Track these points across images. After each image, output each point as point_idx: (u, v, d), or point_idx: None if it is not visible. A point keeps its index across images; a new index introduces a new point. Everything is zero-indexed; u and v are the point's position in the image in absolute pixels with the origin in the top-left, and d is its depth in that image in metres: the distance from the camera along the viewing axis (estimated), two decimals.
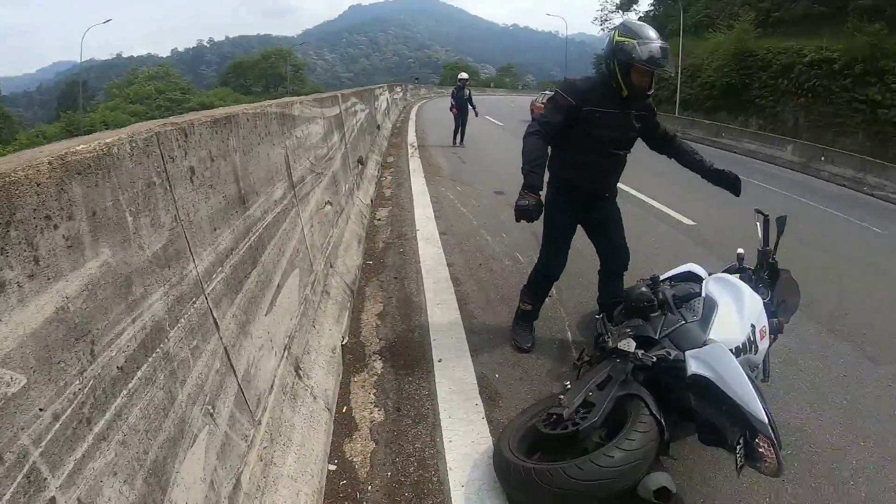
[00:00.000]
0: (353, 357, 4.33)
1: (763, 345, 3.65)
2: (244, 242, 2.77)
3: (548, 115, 4.22)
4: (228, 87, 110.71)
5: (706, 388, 2.93)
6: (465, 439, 3.41)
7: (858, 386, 4.93)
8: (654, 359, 3.24)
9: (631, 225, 8.84)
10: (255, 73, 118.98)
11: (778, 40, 37.67)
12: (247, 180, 2.95)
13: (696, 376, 2.98)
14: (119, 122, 67.74)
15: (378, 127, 16.22)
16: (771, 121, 36.17)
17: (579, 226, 4.64)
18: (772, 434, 2.65)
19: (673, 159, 4.63)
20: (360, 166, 8.93)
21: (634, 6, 74.84)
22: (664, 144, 4.58)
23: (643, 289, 3.82)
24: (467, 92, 18.34)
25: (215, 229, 2.43)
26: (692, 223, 9.95)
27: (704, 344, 3.23)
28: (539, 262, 4.68)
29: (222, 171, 2.60)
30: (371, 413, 3.63)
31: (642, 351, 3.32)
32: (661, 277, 4.40)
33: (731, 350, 3.23)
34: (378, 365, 4.25)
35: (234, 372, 2.41)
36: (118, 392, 1.54)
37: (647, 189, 11.81)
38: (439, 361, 4.33)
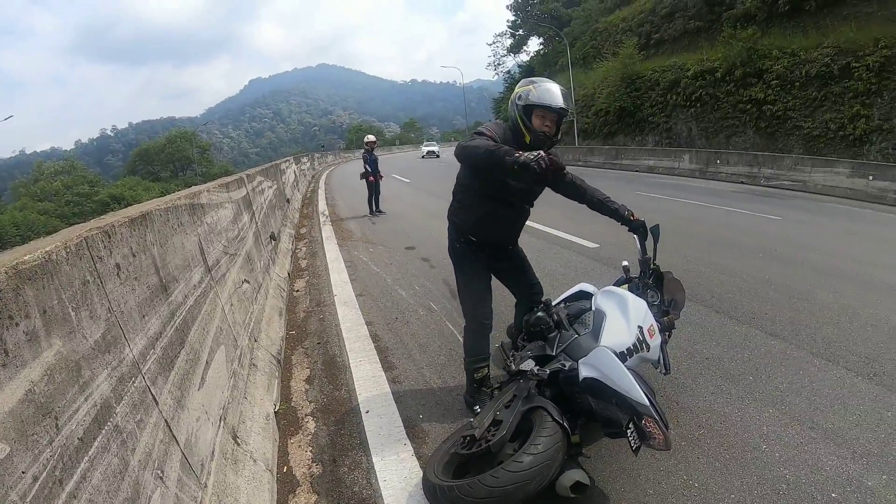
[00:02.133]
0: (287, 421, 4.51)
1: (654, 342, 4.01)
2: (170, 326, 2.98)
3: (482, 135, 3.90)
4: (136, 176, 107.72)
5: (597, 388, 3.28)
6: (398, 476, 3.66)
7: (761, 363, 5.46)
8: (548, 372, 3.58)
9: (537, 256, 9.55)
10: (162, 158, 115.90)
11: (662, 59, 39.97)
12: (166, 269, 3.16)
13: (587, 379, 3.34)
14: (31, 223, 66.36)
15: (288, 200, 16.18)
16: (666, 135, 38.05)
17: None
18: (654, 414, 3.02)
19: (585, 205, 4.63)
20: (273, 242, 9.08)
21: (524, 48, 76.65)
22: (574, 192, 4.56)
23: (539, 314, 4.14)
24: (375, 156, 17.44)
25: (144, 316, 2.65)
26: (595, 245, 10.50)
27: None
28: (467, 320, 4.51)
29: (143, 263, 2.83)
30: (310, 469, 3.84)
31: (538, 367, 3.64)
32: (556, 301, 4.75)
33: (623, 351, 3.65)
34: (311, 425, 4.44)
35: (177, 441, 2.64)
36: (81, 458, 1.83)
37: (547, 220, 12.26)
38: (367, 413, 4.56)
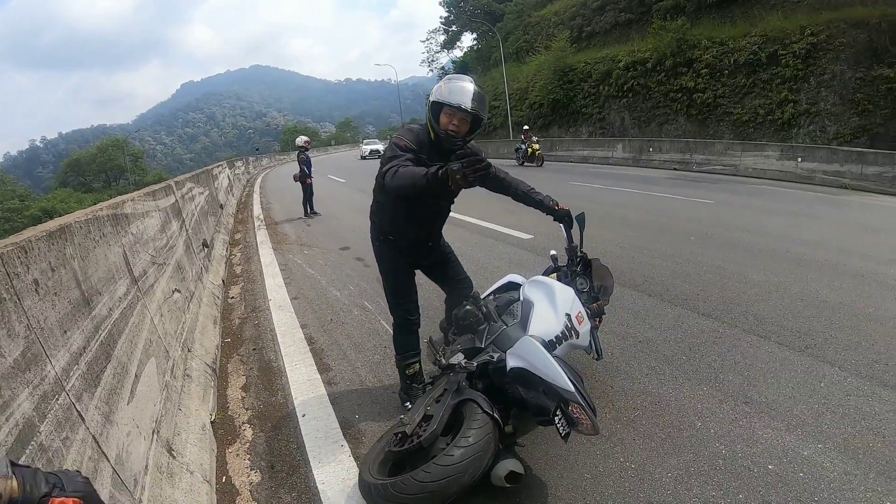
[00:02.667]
0: (224, 430, 4.47)
1: (584, 328, 4.05)
2: (95, 340, 2.93)
3: (396, 157, 3.69)
4: (68, 188, 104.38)
5: (524, 377, 3.30)
6: (336, 478, 3.66)
7: (694, 343, 5.62)
8: (476, 364, 3.62)
9: (471, 249, 9.65)
10: (94, 168, 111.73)
11: (594, 52, 40.57)
12: (88, 283, 3.10)
13: (514, 369, 3.35)
14: None
15: (221, 206, 15.94)
16: (600, 126, 38.61)
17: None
18: (580, 400, 3.04)
19: (510, 198, 4.66)
20: (205, 249, 8.96)
21: (458, 43, 76.61)
22: (498, 186, 4.56)
23: (468, 307, 4.14)
24: (306, 156, 17.08)
25: (66, 332, 2.60)
26: (529, 237, 10.67)
27: None
28: (395, 319, 4.52)
29: (64, 278, 2.76)
30: (249, 477, 3.81)
31: (466, 360, 3.67)
32: (485, 293, 4.74)
33: (552, 339, 3.70)
34: (248, 433, 4.41)
35: (106, 457, 2.59)
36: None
37: (480, 213, 12.43)
38: (303, 416, 4.54)
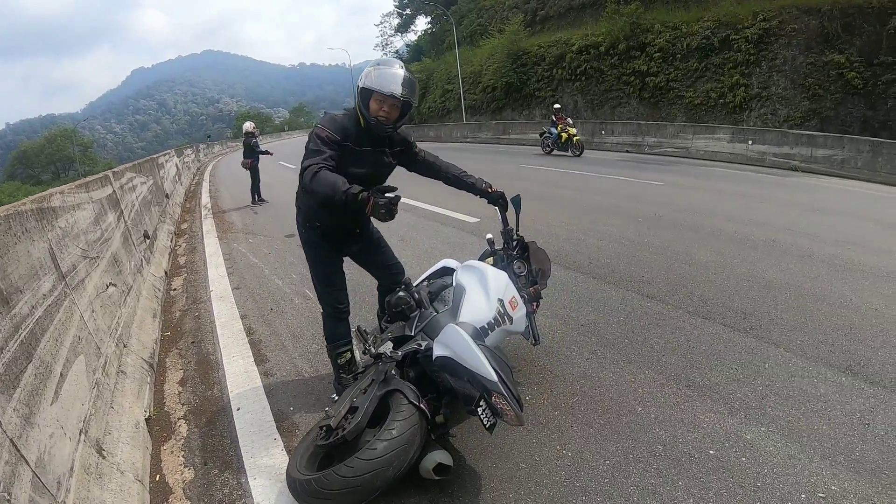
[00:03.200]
0: (159, 427, 4.36)
1: (518, 313, 3.97)
2: (14, 340, 2.82)
3: (318, 152, 3.63)
4: (16, 181, 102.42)
5: (450, 366, 3.24)
6: (268, 473, 3.59)
7: (637, 326, 5.63)
8: (401, 354, 3.55)
9: (418, 234, 9.65)
10: (42, 159, 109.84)
11: (547, 35, 40.96)
12: (7, 281, 2.99)
13: (440, 358, 3.29)
14: None
15: (167, 196, 15.66)
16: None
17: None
18: (503, 391, 2.97)
19: (443, 182, 4.59)
20: (147, 240, 8.78)
21: (412, 27, 76.33)
22: (428, 170, 4.50)
23: (400, 294, 4.06)
24: (256, 141, 16.98)
25: None
26: (476, 220, 10.70)
27: None
28: (323, 308, 4.44)
29: None
30: (182, 474, 3.72)
31: (391, 349, 3.61)
32: (419, 279, 4.72)
33: (484, 326, 3.65)
34: (184, 429, 4.31)
35: (26, 460, 2.50)
36: None
37: (428, 196, 12.44)
38: (238, 410, 4.45)
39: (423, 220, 11.03)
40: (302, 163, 3.65)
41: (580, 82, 37.02)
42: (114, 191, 7.48)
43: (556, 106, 26.93)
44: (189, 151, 37.93)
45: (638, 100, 32.97)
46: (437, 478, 3.15)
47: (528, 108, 41.94)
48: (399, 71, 3.76)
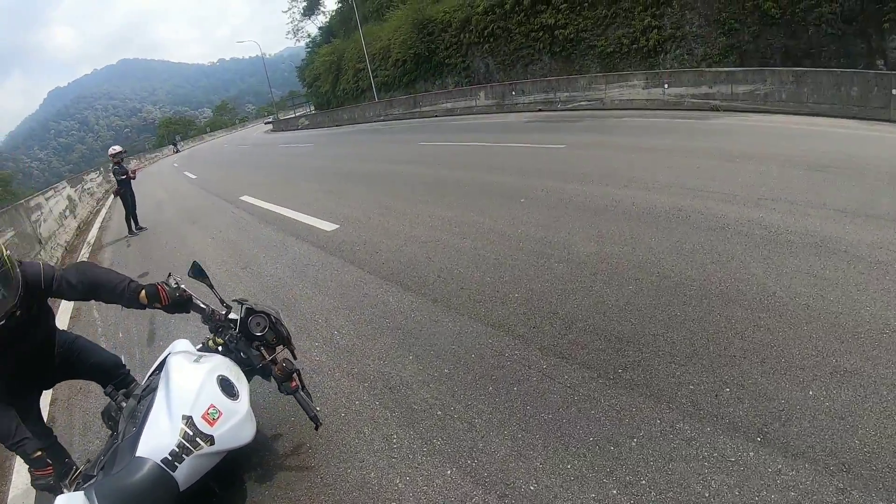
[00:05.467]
0: None
1: (223, 427, 3.03)
2: None
3: None
4: None
5: None
6: None
7: (475, 370, 4.38)
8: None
9: (266, 255, 8.94)
10: None
11: (451, 0, 39.20)
12: None
13: None
14: None
15: (41, 241, 13.92)
16: (465, 75, 38.49)
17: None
18: None
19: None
20: None
21: (320, 8, 75.10)
22: (83, 294, 3.46)
23: (110, 402, 3.56)
24: (126, 167, 15.11)
25: None
26: (334, 227, 9.85)
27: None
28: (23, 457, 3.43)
29: None
30: None
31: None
32: (150, 370, 3.94)
33: (166, 457, 2.82)
34: None
35: None
36: None
37: (285, 200, 12.12)
38: None
39: (277, 234, 10.02)
40: None
41: (489, 44, 35.84)
42: None
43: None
44: (94, 175, 35.95)
45: (549, 55, 31.84)
46: None
47: (441, 77, 41.25)
48: None
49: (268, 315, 3.74)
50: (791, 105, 17.59)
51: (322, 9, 76.35)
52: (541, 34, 31.79)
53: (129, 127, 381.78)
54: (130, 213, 14.76)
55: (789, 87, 17.81)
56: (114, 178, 15.00)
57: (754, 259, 5.54)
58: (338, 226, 9.70)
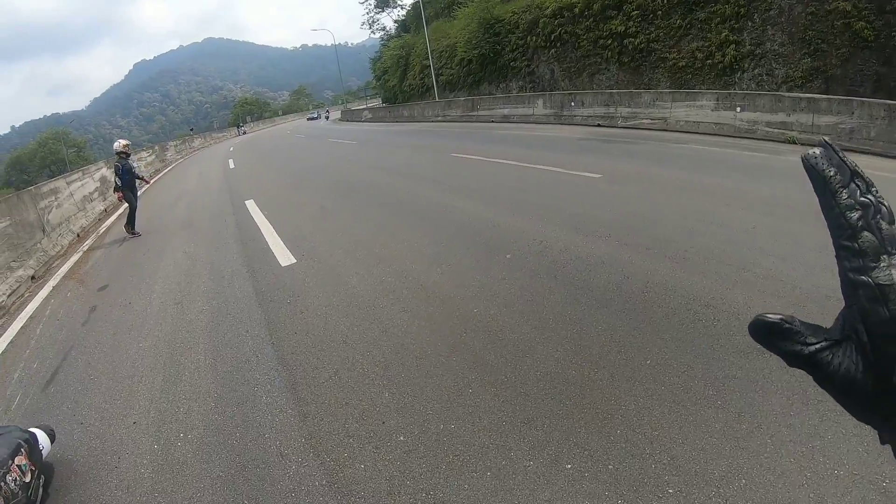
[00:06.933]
0: None
1: None
2: None
3: None
4: (12, 187, 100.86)
5: None
6: None
7: None
8: None
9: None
10: (36, 164, 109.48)
11: (519, 1, 38.45)
12: None
13: None
14: None
15: (44, 230, 13.23)
16: (529, 79, 37.53)
17: None
18: None
19: None
20: None
21: (395, 1, 75.92)
22: None
23: None
24: (132, 163, 14.05)
25: None
26: (292, 262, 9.02)
27: None
28: None
29: None
30: None
31: None
32: None
33: None
34: None
35: None
36: None
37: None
38: None
39: (236, 260, 9.62)
40: None
41: (555, 49, 34.42)
42: None
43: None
44: (145, 154, 36.31)
45: (617, 65, 30.12)
46: None
47: (505, 80, 40.08)
48: None
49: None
50: (881, 144, 14.86)
51: (399, 2, 76.55)
52: (609, 42, 30.20)
53: (209, 104, 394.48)
54: (130, 215, 13.58)
55: (880, 122, 15.04)
56: (116, 179, 13.52)
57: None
58: (295, 261, 8.88)
